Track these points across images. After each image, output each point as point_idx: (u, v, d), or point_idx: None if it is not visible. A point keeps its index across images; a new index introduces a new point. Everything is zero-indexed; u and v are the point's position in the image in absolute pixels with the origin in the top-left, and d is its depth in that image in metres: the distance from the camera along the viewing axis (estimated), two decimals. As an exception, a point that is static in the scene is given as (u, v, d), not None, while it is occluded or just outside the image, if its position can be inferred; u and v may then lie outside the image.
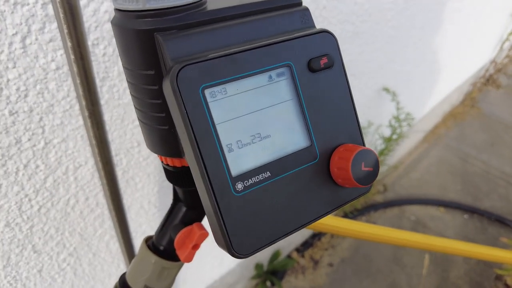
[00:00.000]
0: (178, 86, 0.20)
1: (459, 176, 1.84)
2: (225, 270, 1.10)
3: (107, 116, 0.53)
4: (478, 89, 2.38)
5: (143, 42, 0.23)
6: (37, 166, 0.50)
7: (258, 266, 1.26)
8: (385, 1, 0.93)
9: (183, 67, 0.20)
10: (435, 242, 0.63)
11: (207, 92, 0.21)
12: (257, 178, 0.23)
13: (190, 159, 0.22)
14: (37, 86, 0.44)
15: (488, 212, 1.63)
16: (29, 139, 0.47)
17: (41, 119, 0.47)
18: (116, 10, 0.24)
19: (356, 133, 0.26)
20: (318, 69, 0.24)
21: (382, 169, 1.48)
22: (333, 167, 0.24)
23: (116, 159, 0.58)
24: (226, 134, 0.22)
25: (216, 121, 0.21)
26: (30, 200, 0.51)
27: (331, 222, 0.50)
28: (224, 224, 0.21)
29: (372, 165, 0.24)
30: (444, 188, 1.77)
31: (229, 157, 0.22)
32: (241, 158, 0.22)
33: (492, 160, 1.92)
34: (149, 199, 0.68)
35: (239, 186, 0.22)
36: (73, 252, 0.62)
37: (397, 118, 1.22)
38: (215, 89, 0.21)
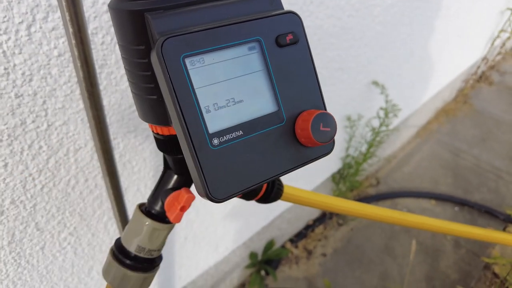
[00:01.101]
0: (162, 55, 0.24)
1: (451, 170, 1.88)
2: (220, 257, 1.14)
3: (105, 101, 0.57)
4: (470, 85, 2.43)
5: (135, 21, 0.27)
6: (40, 147, 0.54)
7: (253, 255, 1.30)
8: (371, -3, 0.97)
9: (167, 38, 0.24)
10: (421, 220, 0.67)
11: (187, 60, 0.25)
12: (231, 136, 0.27)
13: (174, 119, 0.26)
14: (41, 71, 0.48)
15: (478, 204, 1.68)
16: (33, 121, 0.51)
17: (44, 102, 0.51)
18: (112, -6, 0.28)
19: (318, 100, 0.30)
20: (285, 44, 0.28)
21: (372, 161, 1.52)
22: (297, 128, 0.28)
23: (114, 143, 0.62)
24: (204, 97, 0.26)
25: (195, 85, 0.25)
26: (34, 179, 0.55)
27: (322, 198, 0.54)
28: (202, 172, 0.25)
29: (329, 126, 0.28)
30: (436, 182, 1.81)
31: (207, 117, 0.26)
32: (217, 118, 0.26)
33: (483, 155, 1.97)
34: (145, 182, 0.72)
35: (215, 141, 0.26)
36: (73, 232, 0.66)
37: (385, 110, 1.26)
38: (194, 58, 0.25)
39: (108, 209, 0.69)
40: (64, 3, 0.38)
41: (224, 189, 0.26)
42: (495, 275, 1.43)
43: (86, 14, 0.49)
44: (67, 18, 0.39)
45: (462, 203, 1.69)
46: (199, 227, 0.93)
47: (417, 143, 2.03)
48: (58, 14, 0.46)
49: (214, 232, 1.01)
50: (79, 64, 0.43)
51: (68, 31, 0.40)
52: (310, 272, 1.43)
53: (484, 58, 2.35)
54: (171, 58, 0.25)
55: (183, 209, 0.36)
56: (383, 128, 1.31)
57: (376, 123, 1.40)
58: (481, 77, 2.52)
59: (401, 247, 1.51)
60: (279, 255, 1.37)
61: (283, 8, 0.30)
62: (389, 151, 1.87)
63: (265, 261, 1.35)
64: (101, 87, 0.55)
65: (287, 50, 0.29)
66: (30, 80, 0.48)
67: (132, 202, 0.72)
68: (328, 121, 0.28)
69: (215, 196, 0.26)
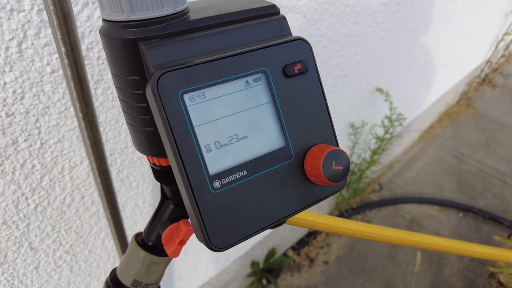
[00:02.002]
0: (158, 92, 0.22)
1: (454, 175, 1.86)
2: (221, 267, 1.11)
3: (101, 117, 0.55)
4: (474, 89, 2.40)
5: (128, 50, 0.25)
6: (34, 166, 0.51)
7: (254, 264, 1.28)
8: (376, 3, 0.94)
9: (163, 73, 0.22)
10: (428, 240, 0.65)
11: (186, 96, 0.23)
12: (234, 177, 0.24)
13: (171, 159, 0.23)
14: (33, 88, 0.46)
15: (482, 210, 1.65)
16: (25, 140, 0.49)
17: (37, 120, 0.48)
18: (104, 20, 0.26)
19: (329, 134, 0.28)
20: (293, 74, 0.26)
21: (376, 168, 1.50)
22: (306, 166, 0.26)
23: (111, 159, 0.60)
24: (204, 135, 0.23)
25: (194, 123, 0.23)
26: (26, 198, 0.53)
27: (325, 220, 0.52)
28: (202, 219, 0.23)
29: (342, 164, 0.25)
30: (439, 187, 1.79)
31: (207, 157, 0.24)
32: (219, 158, 0.24)
33: (487, 159, 1.94)
34: (143, 197, 0.70)
35: (217, 184, 0.24)
36: (69, 250, 0.64)
37: (389, 118, 1.23)
38: (194, 93, 0.23)
39: (106, 225, 0.67)
40: (55, 22, 0.36)
41: (226, 237, 0.24)
42: (501, 283, 1.41)
43: (81, 29, 0.46)
44: (59, 37, 0.37)
45: (466, 209, 1.67)
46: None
47: (420, 147, 2.01)
48: (51, 30, 0.44)
49: (214, 243, 0.99)
50: (72, 84, 0.41)
51: (60, 50, 0.38)
52: (312, 280, 1.41)
53: (488, 61, 2.32)
54: (168, 95, 0.22)
55: (182, 243, 0.34)
56: (387, 136, 1.28)
57: (379, 130, 1.37)
58: (485, 80, 2.49)
59: (405, 254, 1.48)
60: (281, 263, 1.35)
61: (290, 33, 0.28)
62: (392, 156, 1.84)
63: (267, 270, 1.33)
64: (97, 104, 0.53)
65: (295, 81, 0.26)
66: (22, 98, 0.46)
67: (130, 218, 0.70)
68: (341, 158, 0.26)
69: (217, 245, 0.23)
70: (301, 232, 1.50)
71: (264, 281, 1.33)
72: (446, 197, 1.73)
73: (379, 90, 1.21)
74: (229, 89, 0.24)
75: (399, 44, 1.19)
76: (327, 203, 1.55)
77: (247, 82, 0.25)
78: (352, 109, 1.20)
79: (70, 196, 0.58)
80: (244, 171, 0.25)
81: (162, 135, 0.23)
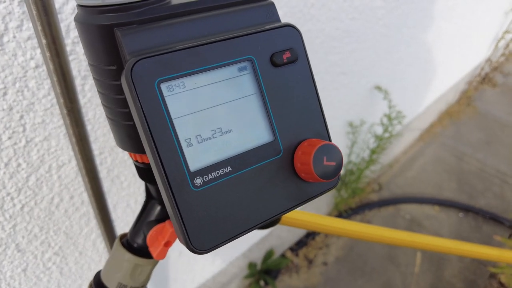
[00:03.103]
0: (132, 80, 0.20)
1: (455, 174, 1.84)
2: (217, 269, 1.10)
3: (90, 115, 0.53)
4: (474, 87, 2.38)
5: (104, 37, 0.23)
6: (19, 165, 0.50)
7: (252, 265, 1.26)
8: (375, -1, 0.93)
9: (137, 60, 0.20)
10: (429, 241, 0.63)
11: (163, 86, 0.21)
12: (217, 173, 0.22)
13: (148, 154, 0.22)
14: (16, 84, 0.44)
15: (483, 210, 1.63)
16: (9, 138, 0.47)
17: (21, 117, 0.47)
18: (79, 6, 0.24)
19: (321, 128, 0.26)
20: (281, 63, 0.24)
21: (375, 167, 1.48)
22: (296, 162, 0.24)
23: (100, 158, 0.58)
24: (184, 128, 0.22)
25: (173, 115, 0.21)
26: (12, 198, 0.51)
27: (324, 221, 0.50)
28: (182, 219, 0.21)
29: (334, 160, 0.24)
30: (440, 187, 1.77)
31: (188, 152, 0.22)
32: (201, 153, 0.22)
33: (488, 159, 1.92)
34: (135, 198, 0.68)
35: (198, 181, 0.22)
36: (58, 251, 0.62)
37: (388, 117, 1.21)
38: (172, 82, 0.21)
39: (97, 226, 0.65)
40: (34, 12, 0.34)
41: (209, 239, 0.22)
42: (501, 284, 1.39)
43: (66, 22, 0.44)
44: (39, 28, 0.35)
45: (466, 209, 1.65)
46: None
47: (420, 146, 1.99)
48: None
49: (210, 244, 0.97)
50: (55, 79, 0.39)
51: (41, 42, 0.36)
52: (311, 281, 1.39)
53: (488, 60, 2.31)
54: (144, 83, 0.20)
55: (168, 244, 0.32)
56: (386, 134, 1.26)
57: (378, 129, 1.35)
58: (485, 79, 2.47)
59: (405, 255, 1.46)
60: (279, 264, 1.33)
61: (279, 20, 0.26)
62: (391, 156, 1.82)
63: (265, 271, 1.31)
64: (85, 100, 0.51)
65: (284, 70, 0.24)
66: (4, 94, 0.44)
67: (122, 219, 0.68)
68: (333, 154, 0.24)
69: (198, 248, 0.22)
70: (300, 233, 1.49)
71: (262, 283, 1.31)
72: (447, 197, 1.71)
73: (378, 88, 1.19)
74: (211, 78, 0.22)
75: (399, 41, 1.17)
76: (326, 204, 1.53)
77: (231, 71, 0.23)
78: (351, 108, 1.18)
79: (59, 196, 0.57)
80: (229, 167, 0.23)
81: (138, 128, 0.22)
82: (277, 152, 0.24)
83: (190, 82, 0.22)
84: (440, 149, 1.98)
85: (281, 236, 1.36)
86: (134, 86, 0.20)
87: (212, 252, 1.01)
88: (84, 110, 0.52)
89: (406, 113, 1.34)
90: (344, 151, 1.31)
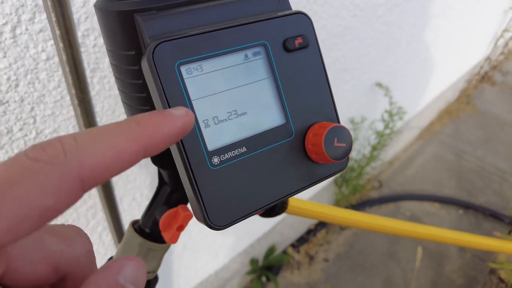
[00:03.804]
0: (154, 62, 0.21)
1: (454, 172, 1.85)
2: (220, 264, 1.11)
3: (98, 107, 0.54)
4: (473, 86, 2.40)
5: (124, 23, 0.24)
6: (29, 156, 0.50)
7: (253, 261, 1.27)
8: (376, -4, 0.94)
9: (159, 43, 0.21)
10: (430, 231, 0.64)
11: (183, 68, 0.22)
12: (233, 153, 0.23)
13: (168, 134, 0.23)
14: (28, 76, 0.45)
15: (482, 207, 1.65)
16: (20, 129, 0.48)
17: (32, 109, 0.47)
18: (98, -7, 0.25)
19: (331, 112, 0.27)
20: (293, 49, 0.25)
21: (376, 164, 1.49)
22: (307, 143, 0.25)
23: (107, 150, 0.59)
24: (202, 110, 0.23)
25: (192, 97, 0.22)
26: (22, 190, 0.52)
27: (328, 211, 0.51)
28: (200, 196, 0.22)
29: (344, 141, 0.25)
30: (439, 184, 1.78)
31: (206, 132, 0.23)
32: (218, 134, 0.23)
33: (487, 156, 1.94)
34: (141, 191, 0.69)
35: (215, 160, 0.23)
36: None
37: (389, 113, 1.23)
38: (191, 65, 0.22)
39: (103, 219, 0.66)
40: (49, 3, 0.35)
41: (226, 215, 0.23)
42: (501, 280, 1.40)
43: (77, 15, 0.45)
44: (53, 19, 0.36)
45: (466, 206, 1.66)
46: (197, 235, 0.90)
47: (420, 145, 2.00)
48: (46, 14, 0.43)
49: (213, 240, 0.98)
50: (67, 69, 0.40)
51: (55, 33, 0.37)
52: (312, 277, 1.40)
53: (487, 58, 2.32)
54: (165, 66, 0.21)
55: (180, 228, 0.33)
56: (387, 131, 1.27)
57: (379, 126, 1.37)
58: (484, 77, 2.49)
59: (405, 251, 1.48)
60: (281, 261, 1.34)
61: (290, 8, 0.27)
62: (391, 153, 1.84)
63: (266, 267, 1.32)
64: (93, 93, 0.52)
65: (296, 55, 0.25)
66: (16, 85, 0.45)
67: (127, 212, 0.69)
68: (343, 135, 0.25)
69: (216, 223, 0.23)
70: (301, 229, 1.50)
71: (263, 279, 1.32)
72: (447, 194, 1.72)
73: (379, 85, 1.21)
74: (227, 62, 0.23)
75: (399, 39, 1.18)
76: (327, 200, 1.54)
77: (246, 55, 0.24)
78: (352, 104, 1.19)
79: (67, 188, 0.57)
80: (244, 147, 0.24)
81: (158, 109, 0.23)
82: (289, 134, 0.25)
83: (208, 65, 0.23)
84: (440, 147, 2.00)
85: (282, 232, 1.37)
86: (156, 68, 0.21)
87: (215, 247, 1.02)
88: (93, 102, 0.53)
89: (406, 110, 1.35)
90: (345, 148, 1.32)
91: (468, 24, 1.69)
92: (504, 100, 2.36)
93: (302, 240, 1.49)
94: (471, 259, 1.46)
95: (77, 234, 0.17)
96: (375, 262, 1.44)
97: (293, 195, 0.26)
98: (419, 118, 1.87)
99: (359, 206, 1.63)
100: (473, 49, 2.03)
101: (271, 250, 1.34)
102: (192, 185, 0.22)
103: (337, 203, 1.58)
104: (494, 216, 1.62)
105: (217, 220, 0.23)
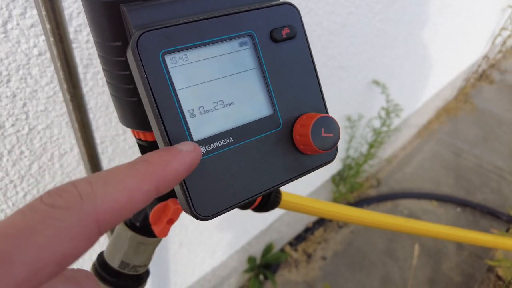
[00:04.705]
0: (138, 52, 0.21)
1: (452, 170, 1.85)
2: (217, 262, 1.10)
3: (92, 103, 0.54)
4: (471, 84, 2.40)
5: (110, 14, 0.24)
6: (22, 152, 0.50)
7: (251, 260, 1.27)
8: (372, -7, 0.94)
9: (143, 32, 0.21)
10: (426, 227, 0.64)
11: (167, 57, 0.22)
12: (219, 143, 0.23)
13: (153, 125, 0.23)
14: (19, 71, 0.45)
15: (480, 205, 1.65)
16: (12, 125, 0.48)
17: (24, 104, 0.47)
18: (85, -16, 0.25)
19: (319, 102, 0.27)
20: (281, 39, 0.25)
21: (373, 161, 1.49)
22: (295, 134, 0.25)
23: (101, 147, 0.59)
24: (187, 99, 0.22)
25: (177, 86, 0.22)
26: (15, 186, 0.52)
27: (323, 206, 0.51)
28: (186, 186, 0.22)
29: (332, 131, 0.25)
30: (437, 182, 1.78)
31: (191, 122, 0.23)
32: (203, 124, 0.23)
33: (485, 155, 1.94)
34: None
35: (201, 150, 0.23)
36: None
37: (386, 110, 1.23)
38: (176, 55, 0.22)
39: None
40: (39, -3, 0.35)
41: (212, 205, 0.23)
42: (499, 277, 1.40)
43: (68, 11, 0.45)
44: (43, 13, 0.36)
45: (464, 204, 1.66)
46: (193, 232, 0.90)
47: (418, 143, 2.00)
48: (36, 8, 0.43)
49: (210, 237, 0.98)
50: (59, 64, 0.40)
51: (45, 28, 0.37)
52: (310, 276, 1.40)
53: (485, 56, 2.32)
54: (149, 55, 0.21)
55: (170, 222, 0.33)
56: (384, 128, 1.27)
57: (377, 123, 1.36)
58: (482, 76, 2.49)
59: (403, 249, 1.48)
60: (278, 259, 1.34)
61: (278, -1, 0.27)
62: (389, 151, 1.84)
63: (264, 265, 1.32)
64: (86, 89, 0.52)
65: (283, 46, 0.25)
66: (8, 81, 0.45)
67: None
68: (331, 125, 0.25)
69: (202, 213, 0.22)
70: (299, 227, 1.50)
71: (261, 277, 1.32)
72: (444, 192, 1.72)
73: (376, 82, 1.21)
74: (213, 52, 0.23)
75: (396, 37, 1.18)
76: (324, 198, 1.54)
77: (232, 45, 0.24)
78: (349, 102, 1.19)
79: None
80: (230, 138, 0.24)
81: (143, 99, 0.22)
82: (277, 125, 0.25)
83: (193, 55, 0.23)
84: (438, 145, 2.00)
85: (280, 230, 1.37)
86: (140, 58, 0.21)
87: (212, 244, 1.02)
88: (86, 98, 0.53)
89: (404, 110, 1.35)
90: (342, 146, 1.32)
91: (466, 22, 1.69)
92: (502, 98, 2.37)
93: (299, 238, 1.49)
94: (469, 256, 1.46)
95: (87, 279, 0.17)
96: (373, 260, 1.44)
97: (281, 186, 0.25)
98: (417, 116, 1.87)
99: (357, 204, 1.63)
100: (471, 47, 2.03)
101: (268, 248, 1.34)
102: (177, 175, 0.22)
103: (335, 201, 1.58)
104: (492, 214, 1.62)
105: (202, 211, 0.23)
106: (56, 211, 0.12)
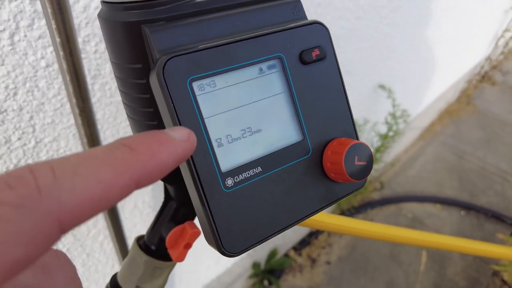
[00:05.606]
0: (164, 79, 0.20)
1: (456, 173, 1.84)
2: (222, 269, 1.09)
3: (99, 114, 0.52)
4: (473, 86, 2.39)
5: (130, 35, 0.22)
6: (28, 166, 0.49)
7: (255, 265, 1.26)
8: (379, -3, 0.92)
9: (170, 58, 0.20)
10: (431, 238, 0.63)
11: (195, 84, 0.20)
12: (248, 174, 0.22)
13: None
14: (26, 84, 0.43)
15: (484, 208, 1.64)
16: (19, 138, 0.46)
17: (31, 117, 0.46)
18: (103, 2, 0.24)
19: (349, 127, 0.25)
20: (310, 61, 0.24)
21: (379, 166, 1.48)
22: (326, 161, 0.24)
23: (109, 158, 0.57)
24: (215, 128, 0.21)
25: (204, 115, 0.21)
26: (21, 200, 0.51)
27: (329, 219, 0.50)
28: (214, 221, 0.21)
29: (365, 159, 0.23)
30: (441, 185, 1.77)
31: (219, 152, 0.21)
32: (231, 153, 0.22)
33: (488, 157, 1.93)
34: (143, 198, 0.67)
35: (229, 182, 0.21)
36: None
37: (393, 115, 1.21)
38: (204, 81, 0.21)
39: (104, 227, 0.64)
40: (49, 10, 0.33)
41: (241, 241, 0.22)
42: (504, 282, 1.39)
43: (77, 21, 0.44)
44: (53, 26, 0.34)
45: (468, 207, 1.65)
46: (199, 241, 0.88)
47: (420, 145, 1.99)
48: (45, 20, 0.41)
49: (216, 245, 0.96)
50: (68, 78, 0.38)
51: (55, 41, 0.36)
52: (314, 280, 1.39)
53: (488, 58, 2.31)
54: (176, 82, 0.20)
55: (188, 246, 0.32)
56: (391, 133, 1.26)
57: (382, 128, 1.35)
58: (484, 77, 2.48)
59: (407, 253, 1.47)
60: (283, 264, 1.33)
61: (306, 17, 0.25)
62: (392, 154, 1.83)
63: (268, 271, 1.31)
64: (94, 100, 0.50)
65: (312, 68, 0.24)
66: (15, 94, 0.43)
67: (129, 220, 0.67)
68: (364, 153, 0.23)
69: (230, 250, 0.21)
70: (303, 232, 1.48)
71: (265, 283, 1.30)
72: (448, 195, 1.71)
73: (382, 86, 1.19)
74: (241, 77, 0.22)
75: (402, 40, 1.17)
76: (329, 202, 1.52)
77: (260, 69, 0.23)
78: (355, 106, 1.18)
79: (67, 197, 0.56)
80: (259, 167, 0.22)
81: (167, 127, 0.21)
82: (306, 151, 0.24)
83: (221, 80, 0.21)
84: (441, 147, 1.99)
85: (284, 235, 1.36)
86: (166, 85, 0.20)
87: (216, 252, 1.00)
88: (94, 109, 0.51)
89: (408, 112, 1.34)
90: (347, 150, 1.31)
91: (469, 24, 1.68)
92: (504, 100, 2.36)
93: (304, 243, 1.48)
94: (474, 261, 1.45)
95: (60, 267, 0.15)
96: (377, 264, 1.43)
97: (311, 216, 0.24)
98: (420, 118, 1.86)
99: (361, 208, 1.62)
100: (474, 49, 2.02)
101: (273, 254, 1.33)
102: (204, 209, 0.21)
103: (339, 205, 1.57)
104: (496, 217, 1.61)
105: (231, 247, 0.21)
106: (4, 209, 0.09)
